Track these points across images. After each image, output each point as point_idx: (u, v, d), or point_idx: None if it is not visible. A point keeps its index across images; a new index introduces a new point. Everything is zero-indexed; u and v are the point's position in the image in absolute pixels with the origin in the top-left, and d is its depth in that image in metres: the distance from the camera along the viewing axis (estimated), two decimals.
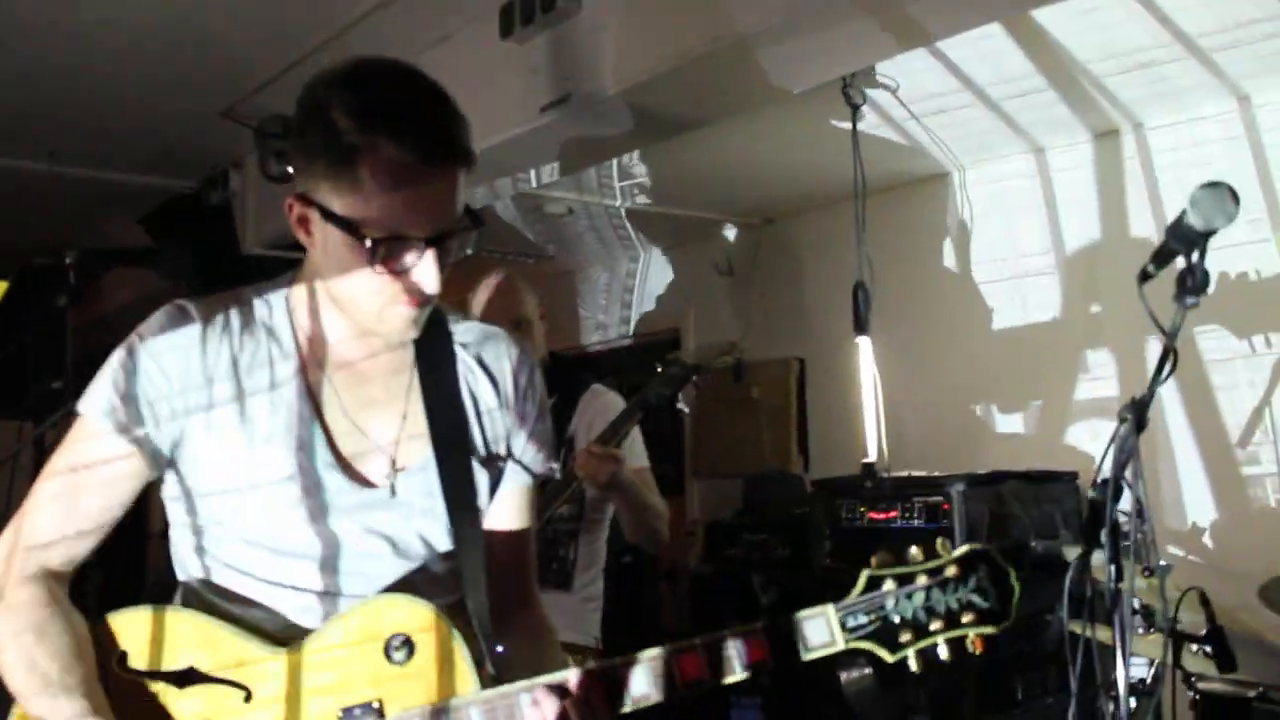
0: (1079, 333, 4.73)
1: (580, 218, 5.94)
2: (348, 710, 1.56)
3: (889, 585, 1.58)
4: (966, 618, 1.57)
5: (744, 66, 3.04)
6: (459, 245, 1.62)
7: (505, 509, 1.81)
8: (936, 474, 4.20)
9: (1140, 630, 3.74)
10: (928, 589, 1.57)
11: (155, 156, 4.70)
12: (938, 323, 5.22)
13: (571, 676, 1.55)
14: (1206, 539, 4.31)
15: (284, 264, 1.73)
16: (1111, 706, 3.40)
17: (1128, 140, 4.56)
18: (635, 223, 6.15)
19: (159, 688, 1.57)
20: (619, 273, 7.02)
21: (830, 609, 1.58)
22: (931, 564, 1.59)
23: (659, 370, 3.25)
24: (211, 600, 1.64)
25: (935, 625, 1.57)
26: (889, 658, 1.56)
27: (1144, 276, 1.86)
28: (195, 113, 4.22)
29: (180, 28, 3.62)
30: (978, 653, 1.56)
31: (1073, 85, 4.08)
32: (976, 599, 1.58)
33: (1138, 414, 1.86)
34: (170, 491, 1.65)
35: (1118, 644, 1.92)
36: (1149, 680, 3.46)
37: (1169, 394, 4.45)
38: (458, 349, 1.76)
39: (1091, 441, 4.64)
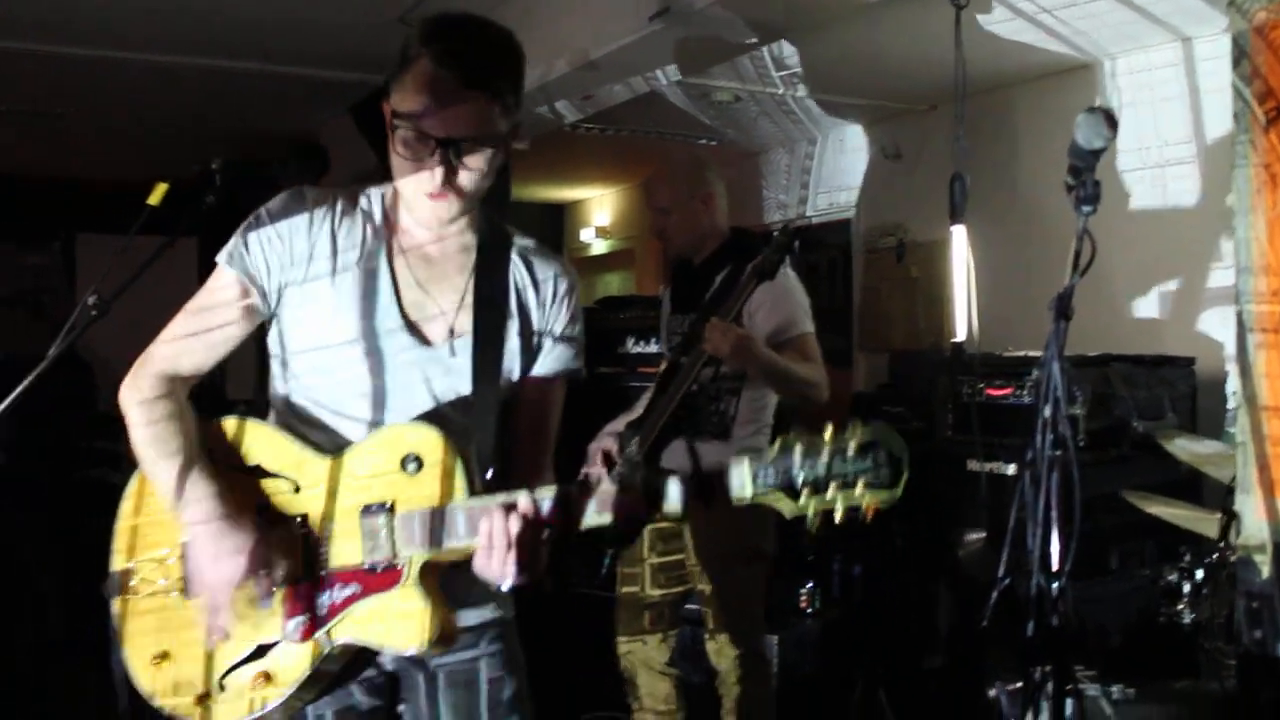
0: (1214, 220, 4.78)
1: (749, 104, 6.22)
2: (367, 506, 1.98)
3: (797, 451, 1.79)
4: (859, 487, 1.75)
5: None
6: (470, 155, 1.99)
7: (532, 392, 2.24)
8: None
9: None
10: (830, 459, 1.76)
11: (351, 56, 5.28)
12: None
13: (544, 497, 1.92)
14: None
15: None
16: (1175, 576, 3.65)
17: None
18: (807, 109, 6.39)
19: (234, 477, 2.05)
20: (798, 155, 7.29)
21: (746, 463, 1.82)
22: (837, 440, 1.77)
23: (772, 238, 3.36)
24: (290, 420, 2.14)
25: (832, 489, 1.76)
26: (789, 511, 1.78)
27: (1067, 187, 2.13)
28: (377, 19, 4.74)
29: None
30: (868, 519, 1.75)
31: None
32: (870, 473, 1.74)
33: (1061, 306, 2.16)
34: (271, 341, 2.16)
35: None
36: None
37: None
38: (514, 254, 2.20)
39: (1221, 327, 4.73)
